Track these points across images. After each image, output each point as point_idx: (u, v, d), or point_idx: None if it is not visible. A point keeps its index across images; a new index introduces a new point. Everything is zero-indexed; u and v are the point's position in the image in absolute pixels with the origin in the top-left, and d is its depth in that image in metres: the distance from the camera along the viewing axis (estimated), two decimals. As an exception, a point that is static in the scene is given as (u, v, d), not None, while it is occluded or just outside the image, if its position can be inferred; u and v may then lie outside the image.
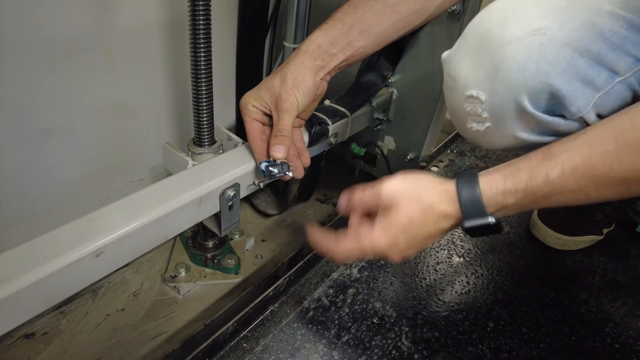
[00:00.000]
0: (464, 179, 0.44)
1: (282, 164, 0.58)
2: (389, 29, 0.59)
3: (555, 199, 0.40)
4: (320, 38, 0.57)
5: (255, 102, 0.58)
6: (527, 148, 0.50)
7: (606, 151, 0.37)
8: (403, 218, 0.45)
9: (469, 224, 0.43)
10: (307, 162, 0.64)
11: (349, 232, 0.48)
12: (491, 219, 0.42)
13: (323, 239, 0.50)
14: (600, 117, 0.46)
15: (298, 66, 0.56)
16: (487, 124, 0.48)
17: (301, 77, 0.56)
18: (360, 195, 0.49)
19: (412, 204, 0.45)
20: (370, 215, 0.50)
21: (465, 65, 0.48)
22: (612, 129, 0.38)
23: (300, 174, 0.61)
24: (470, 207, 0.43)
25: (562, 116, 0.45)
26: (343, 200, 0.51)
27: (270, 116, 0.59)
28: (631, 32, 0.42)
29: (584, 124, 0.46)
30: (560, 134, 0.47)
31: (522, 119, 0.46)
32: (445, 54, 0.53)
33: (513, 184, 0.41)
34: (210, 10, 0.54)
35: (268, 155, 0.58)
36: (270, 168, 0.57)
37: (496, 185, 0.42)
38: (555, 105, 0.44)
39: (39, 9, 0.56)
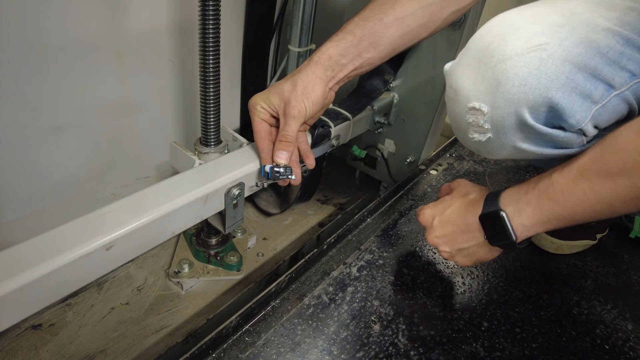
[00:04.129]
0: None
1: (285, 167, 0.59)
2: (397, 41, 0.60)
3: (558, 197, 0.46)
4: (331, 49, 0.59)
5: (264, 103, 0.60)
6: (528, 157, 0.53)
7: (594, 153, 0.44)
8: (449, 198, 0.60)
9: (484, 211, 0.53)
10: (312, 164, 0.66)
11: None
12: (501, 212, 0.50)
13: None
14: (597, 128, 0.48)
15: (309, 75, 0.58)
16: (489, 135, 0.50)
17: (311, 86, 0.58)
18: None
19: (461, 191, 0.60)
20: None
21: (467, 78, 0.50)
22: (602, 140, 0.44)
23: (297, 181, 0.63)
24: (489, 199, 0.53)
25: (562, 128, 0.47)
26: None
27: (277, 118, 0.61)
28: (627, 48, 0.44)
29: (582, 135, 0.48)
30: (559, 145, 0.50)
31: (522, 131, 0.48)
32: (447, 66, 0.55)
33: (527, 184, 0.50)
34: (220, 15, 0.56)
35: (272, 156, 0.60)
36: (275, 169, 0.59)
37: (514, 187, 0.51)
38: (555, 117, 0.46)
39: (54, 9, 0.58)
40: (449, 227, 0.58)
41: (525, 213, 0.49)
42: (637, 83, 0.45)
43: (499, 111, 0.47)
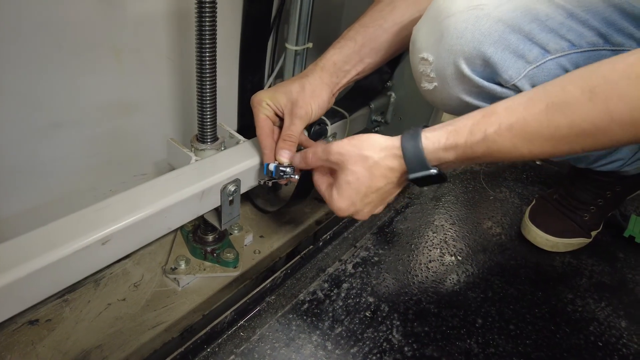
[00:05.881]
0: (409, 134, 0.48)
1: (289, 166, 0.60)
2: (397, 45, 0.63)
3: (492, 155, 0.44)
4: (335, 56, 0.61)
5: (270, 101, 0.60)
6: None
7: (538, 111, 0.40)
8: (352, 178, 0.50)
9: (413, 175, 0.48)
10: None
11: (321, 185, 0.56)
12: (433, 171, 0.46)
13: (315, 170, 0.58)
14: None
15: (317, 80, 0.60)
16: (435, 84, 0.55)
17: (318, 90, 0.60)
18: (312, 156, 0.55)
19: (358, 162, 0.49)
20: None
21: (422, 32, 0.54)
22: (546, 90, 0.41)
23: (297, 179, 0.64)
24: (414, 161, 0.47)
25: (500, 84, 0.52)
26: (297, 158, 0.58)
27: (280, 118, 0.62)
28: (569, 20, 0.48)
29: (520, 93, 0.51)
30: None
31: (462, 81, 0.52)
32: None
33: (454, 139, 0.45)
34: (216, 12, 0.56)
35: (274, 154, 0.61)
36: (281, 168, 0.59)
37: (438, 142, 0.46)
38: (491, 72, 0.51)
39: (52, 5, 0.58)
40: (375, 197, 0.51)
41: (455, 163, 0.47)
42: (577, 53, 0.49)
43: (441, 61, 0.52)
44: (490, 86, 0.52)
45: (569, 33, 0.48)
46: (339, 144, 0.51)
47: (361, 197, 0.50)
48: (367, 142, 0.49)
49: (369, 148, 0.49)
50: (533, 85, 0.51)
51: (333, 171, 0.54)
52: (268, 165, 0.60)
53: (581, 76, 0.39)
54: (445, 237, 0.80)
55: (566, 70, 0.51)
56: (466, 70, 0.51)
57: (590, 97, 0.37)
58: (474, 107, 0.54)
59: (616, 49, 0.48)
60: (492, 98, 0.53)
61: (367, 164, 0.49)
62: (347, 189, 0.50)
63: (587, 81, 0.38)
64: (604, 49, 0.49)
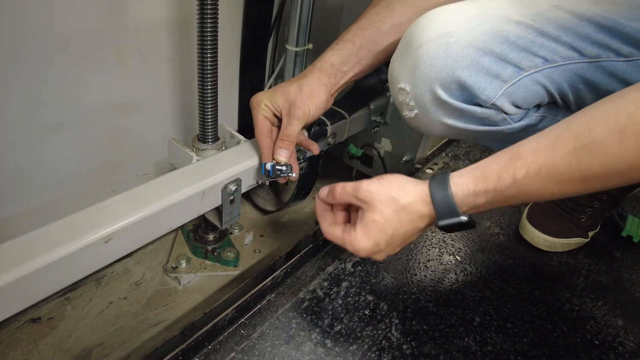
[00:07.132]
0: (437, 180, 0.46)
1: (286, 165, 0.61)
2: (395, 47, 0.63)
3: (523, 197, 0.43)
4: (333, 58, 0.62)
5: (268, 102, 0.61)
6: (461, 134, 0.58)
7: (566, 152, 0.40)
8: (379, 218, 0.47)
9: (443, 222, 0.46)
10: (317, 149, 0.68)
11: (333, 224, 0.53)
12: (463, 218, 0.45)
13: (323, 217, 0.55)
14: (516, 105, 0.53)
15: (315, 81, 0.61)
16: (415, 111, 0.56)
17: (316, 91, 0.61)
18: (340, 191, 0.52)
19: (386, 203, 0.47)
20: (348, 210, 0.55)
21: (397, 63, 0.56)
22: (571, 130, 0.40)
23: (296, 178, 0.65)
24: (444, 208, 0.45)
25: (479, 105, 0.52)
26: (324, 191, 0.54)
27: (278, 118, 0.63)
28: (540, 38, 0.49)
29: (500, 111, 0.53)
30: (484, 122, 0.55)
31: (442, 107, 0.53)
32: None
33: (483, 185, 0.44)
34: (218, 13, 0.57)
35: (272, 154, 0.62)
36: (277, 167, 0.60)
37: (467, 187, 0.44)
38: (469, 94, 0.51)
39: (55, 7, 0.59)
40: (398, 240, 0.49)
41: (485, 207, 0.46)
42: (551, 68, 0.50)
43: (418, 90, 0.53)
44: (470, 108, 0.52)
45: (541, 50, 0.49)
46: (368, 182, 0.49)
47: (386, 238, 0.48)
48: (397, 184, 0.48)
49: (399, 190, 0.47)
50: (512, 102, 0.52)
51: (353, 213, 0.54)
52: (265, 164, 0.61)
53: (606, 115, 0.39)
54: (444, 237, 0.81)
55: (542, 85, 0.51)
56: (443, 95, 0.51)
57: (620, 138, 0.37)
58: (458, 129, 0.56)
59: (592, 61, 0.49)
60: (474, 119, 0.54)
61: (396, 206, 0.47)
62: (374, 228, 0.48)
63: (613, 120, 0.38)
64: (580, 62, 0.49)
